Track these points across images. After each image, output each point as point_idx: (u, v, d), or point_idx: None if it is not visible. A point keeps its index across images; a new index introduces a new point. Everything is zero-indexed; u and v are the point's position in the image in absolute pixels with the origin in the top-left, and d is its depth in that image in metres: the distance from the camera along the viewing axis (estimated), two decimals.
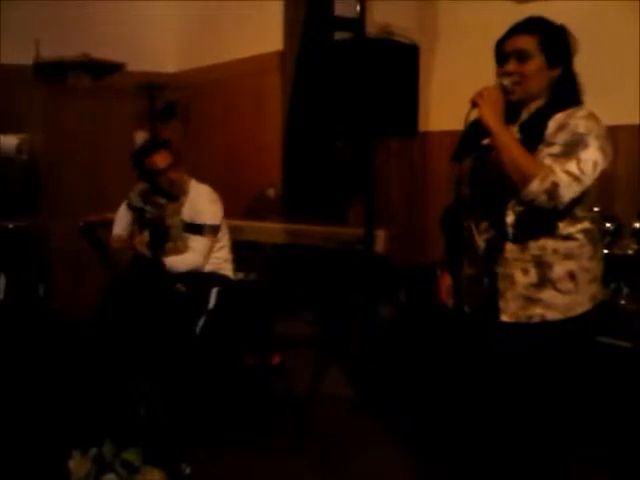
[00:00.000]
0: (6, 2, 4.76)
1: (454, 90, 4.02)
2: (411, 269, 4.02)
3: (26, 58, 4.88)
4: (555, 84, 2.15)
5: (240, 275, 3.93)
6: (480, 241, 2.23)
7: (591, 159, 2.02)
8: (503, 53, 2.17)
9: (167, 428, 2.90)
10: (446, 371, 3.11)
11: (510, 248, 2.16)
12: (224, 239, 3.78)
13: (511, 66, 2.14)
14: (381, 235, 4.03)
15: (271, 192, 4.70)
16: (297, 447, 3.16)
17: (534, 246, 2.13)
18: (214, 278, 3.68)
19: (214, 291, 3.60)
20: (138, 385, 3.27)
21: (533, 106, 2.17)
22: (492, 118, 2.05)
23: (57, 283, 4.86)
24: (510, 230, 2.14)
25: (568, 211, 2.09)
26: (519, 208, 2.11)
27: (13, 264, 4.45)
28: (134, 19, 5.39)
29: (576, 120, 2.06)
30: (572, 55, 2.17)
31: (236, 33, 5.07)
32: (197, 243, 3.63)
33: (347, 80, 3.50)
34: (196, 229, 3.63)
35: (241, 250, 3.91)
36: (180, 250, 3.64)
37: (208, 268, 3.69)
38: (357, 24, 3.91)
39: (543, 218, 2.09)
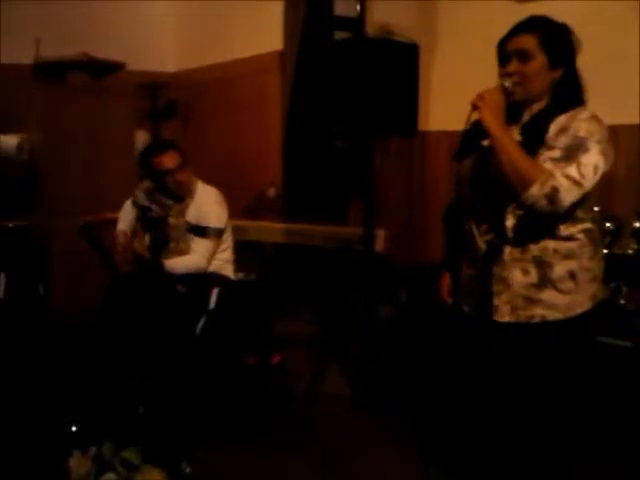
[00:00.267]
0: (6, 2, 4.76)
1: (454, 90, 4.04)
2: (411, 269, 4.02)
3: (26, 57, 4.88)
4: (557, 85, 2.14)
5: (240, 275, 3.93)
6: (480, 242, 2.23)
7: (592, 163, 2.01)
8: (505, 53, 2.16)
9: (167, 427, 2.90)
10: (446, 371, 3.11)
11: (510, 249, 2.16)
12: (228, 241, 3.78)
13: (512, 66, 2.13)
14: (381, 235, 4.03)
15: (271, 191, 4.70)
16: (297, 447, 3.16)
17: (535, 247, 2.13)
18: (215, 279, 3.68)
19: (215, 292, 3.60)
20: (138, 385, 3.27)
21: (535, 107, 2.17)
22: (493, 121, 2.05)
23: (57, 282, 4.86)
24: (510, 234, 2.14)
25: (569, 214, 2.09)
26: (519, 212, 2.11)
27: (13, 263, 4.44)
28: (134, 18, 5.39)
29: (578, 123, 2.05)
30: (575, 55, 2.16)
31: (236, 33, 5.07)
32: (200, 245, 3.62)
33: (347, 80, 3.50)
34: (200, 231, 3.62)
35: (241, 250, 3.91)
36: (183, 251, 3.63)
37: (209, 269, 3.69)
38: (357, 24, 3.91)
39: (544, 221, 2.09)
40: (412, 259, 4.21)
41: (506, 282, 2.17)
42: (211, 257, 3.66)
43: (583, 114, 2.08)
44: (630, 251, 3.11)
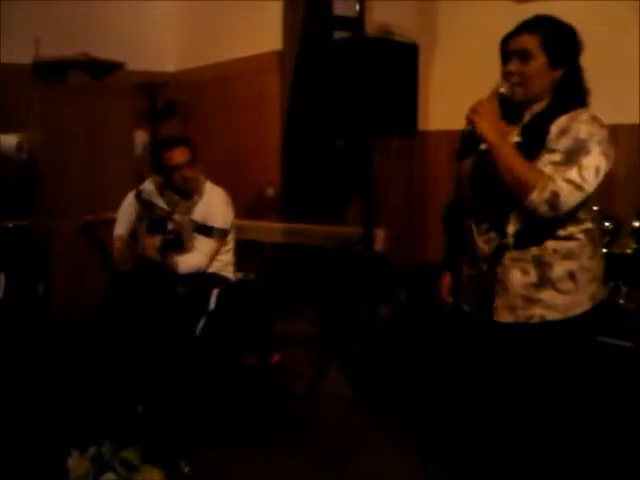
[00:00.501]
0: (6, 1, 4.76)
1: (454, 89, 4.04)
2: (410, 268, 4.02)
3: (26, 57, 4.88)
4: (558, 85, 2.14)
5: (239, 274, 3.93)
6: (480, 242, 2.23)
7: (593, 165, 2.01)
8: (506, 52, 2.16)
9: (166, 427, 2.90)
10: (446, 371, 3.11)
11: (510, 249, 2.16)
12: (230, 243, 3.79)
13: (513, 66, 2.13)
14: (380, 234, 4.03)
15: (270, 191, 4.70)
16: (297, 447, 3.16)
17: (534, 247, 2.13)
18: (215, 280, 3.68)
19: (215, 293, 3.60)
20: (138, 385, 3.27)
21: (536, 107, 2.16)
22: (489, 131, 2.05)
23: (57, 282, 4.86)
24: (511, 240, 2.14)
25: (571, 215, 2.09)
26: (521, 218, 2.10)
27: (13, 263, 4.44)
28: (134, 18, 5.39)
29: (578, 125, 2.05)
30: (578, 55, 2.16)
31: (236, 32, 5.07)
32: (204, 245, 3.63)
33: (346, 79, 3.49)
34: (206, 231, 3.62)
35: (240, 249, 3.91)
36: (187, 249, 3.64)
37: (210, 269, 3.69)
38: (356, 23, 3.90)
39: (546, 224, 2.08)
40: (412, 259, 4.20)
41: (505, 282, 2.17)
42: (213, 257, 3.66)
43: (583, 115, 2.08)
44: (629, 250, 3.10)
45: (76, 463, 2.39)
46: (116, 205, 4.00)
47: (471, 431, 2.44)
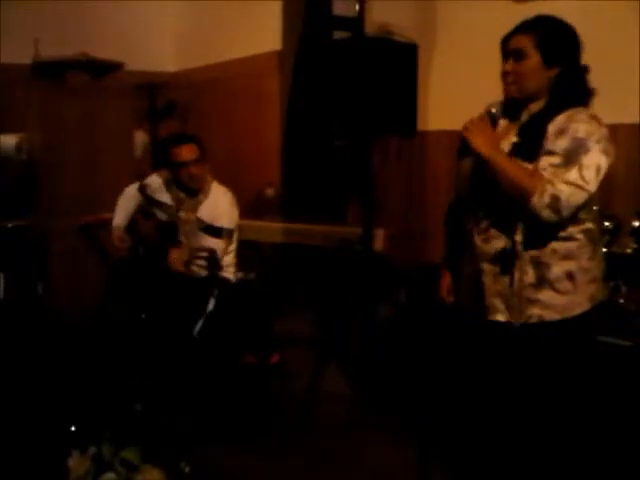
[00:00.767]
0: (5, 1, 4.76)
1: (453, 89, 4.04)
2: (410, 268, 4.02)
3: (25, 57, 4.88)
4: (555, 84, 2.14)
5: (239, 274, 3.93)
6: (479, 241, 2.23)
7: (594, 164, 2.01)
8: (504, 52, 2.18)
9: (167, 427, 2.90)
10: (446, 371, 3.11)
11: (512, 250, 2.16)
12: (234, 245, 3.80)
13: (508, 65, 2.15)
14: (380, 234, 4.03)
15: (270, 191, 4.70)
16: (296, 446, 3.16)
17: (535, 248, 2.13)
18: (215, 281, 3.68)
19: (214, 294, 3.60)
20: (138, 384, 3.27)
21: (533, 107, 2.17)
22: (483, 146, 2.08)
23: (56, 282, 4.86)
24: (521, 248, 2.13)
25: (574, 216, 2.09)
26: (526, 224, 2.11)
27: (12, 263, 4.44)
28: (133, 18, 5.39)
29: (576, 124, 2.05)
30: (576, 54, 2.16)
31: (235, 32, 5.07)
32: (213, 245, 3.63)
33: (346, 79, 3.50)
34: (215, 232, 3.62)
35: (240, 249, 3.91)
36: (192, 247, 3.64)
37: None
38: (356, 23, 3.91)
39: (549, 226, 2.09)
40: (411, 259, 4.20)
41: (503, 282, 2.17)
42: (222, 258, 3.67)
43: (581, 114, 2.08)
44: (629, 250, 3.10)
45: (76, 463, 2.39)
46: (115, 205, 4.00)
47: (471, 431, 2.45)
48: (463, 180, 2.30)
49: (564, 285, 2.12)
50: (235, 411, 3.45)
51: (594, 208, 2.23)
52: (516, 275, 2.15)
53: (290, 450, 3.13)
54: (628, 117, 3.28)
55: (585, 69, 2.17)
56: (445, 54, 4.21)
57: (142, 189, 3.74)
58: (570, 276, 2.12)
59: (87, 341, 3.72)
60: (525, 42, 2.12)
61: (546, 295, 2.13)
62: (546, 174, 2.01)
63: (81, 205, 4.91)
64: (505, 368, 2.23)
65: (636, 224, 3.13)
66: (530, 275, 2.14)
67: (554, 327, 2.14)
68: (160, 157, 3.80)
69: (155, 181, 3.84)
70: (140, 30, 5.40)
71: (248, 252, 4.06)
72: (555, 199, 1.98)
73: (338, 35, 4.11)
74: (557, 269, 2.12)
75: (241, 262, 3.92)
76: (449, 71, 4.16)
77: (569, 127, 2.05)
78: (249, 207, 4.54)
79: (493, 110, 2.19)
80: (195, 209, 3.68)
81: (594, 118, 2.07)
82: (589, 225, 2.15)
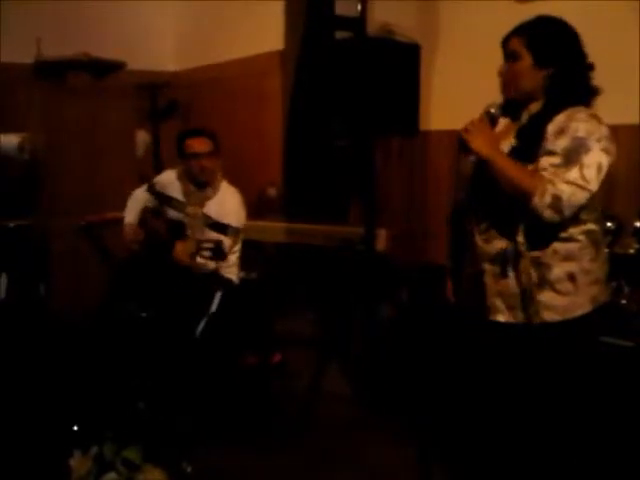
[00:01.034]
0: (7, 1, 4.76)
1: (455, 89, 4.04)
2: (412, 268, 4.02)
3: (27, 57, 4.88)
4: (550, 84, 2.15)
5: (241, 274, 3.93)
6: (480, 241, 2.23)
7: (594, 163, 2.00)
8: (503, 54, 2.21)
9: (168, 427, 2.90)
10: (447, 371, 3.11)
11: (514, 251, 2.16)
12: (238, 245, 3.81)
13: (504, 67, 2.19)
14: (382, 234, 4.03)
15: (272, 191, 4.70)
16: (297, 446, 3.16)
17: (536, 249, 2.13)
18: (219, 281, 3.68)
19: (218, 295, 3.61)
20: (139, 384, 3.27)
21: (533, 107, 2.18)
22: (483, 147, 2.09)
23: (58, 282, 4.86)
24: (523, 248, 2.13)
25: (575, 217, 2.09)
26: (527, 224, 2.11)
27: (14, 263, 4.45)
28: (135, 18, 5.39)
29: (576, 123, 2.04)
30: (571, 54, 2.16)
31: (237, 32, 5.07)
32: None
33: (348, 79, 3.50)
34: (221, 229, 3.63)
35: (243, 249, 3.91)
36: (198, 239, 3.64)
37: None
38: (358, 23, 3.91)
39: (551, 226, 2.08)
40: (413, 259, 4.20)
41: (504, 282, 2.17)
42: (227, 256, 3.67)
43: (580, 113, 2.07)
44: (631, 251, 3.10)
45: (78, 463, 2.39)
46: (117, 205, 4.01)
47: (472, 431, 2.45)
48: (464, 180, 2.31)
49: (565, 286, 2.12)
50: (236, 411, 3.45)
51: (597, 209, 2.22)
52: (518, 276, 2.14)
53: (291, 450, 3.14)
54: (629, 117, 3.27)
55: (587, 67, 2.17)
56: (447, 54, 4.21)
57: (151, 188, 3.75)
58: (571, 277, 2.12)
59: (89, 341, 3.72)
60: (517, 44, 2.15)
61: (547, 296, 2.13)
62: (547, 174, 2.01)
63: (83, 205, 4.91)
64: (506, 368, 2.22)
65: (638, 224, 3.13)
66: (531, 276, 2.13)
67: (556, 328, 2.14)
68: (176, 149, 3.84)
69: (167, 176, 3.88)
70: (142, 30, 5.41)
71: (250, 252, 4.06)
72: (556, 199, 1.97)
73: (340, 35, 4.11)
74: (558, 270, 2.11)
75: (243, 262, 3.92)
76: (451, 71, 4.16)
77: (569, 126, 2.04)
78: (251, 207, 4.53)
79: (492, 110, 2.19)
80: (203, 204, 3.71)
81: (594, 117, 2.07)
82: (591, 226, 2.14)
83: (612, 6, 3.36)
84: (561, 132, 2.05)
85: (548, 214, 1.99)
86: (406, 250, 4.28)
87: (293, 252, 4.33)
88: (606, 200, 2.86)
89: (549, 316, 2.13)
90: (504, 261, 2.16)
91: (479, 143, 2.10)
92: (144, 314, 3.51)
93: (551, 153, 2.04)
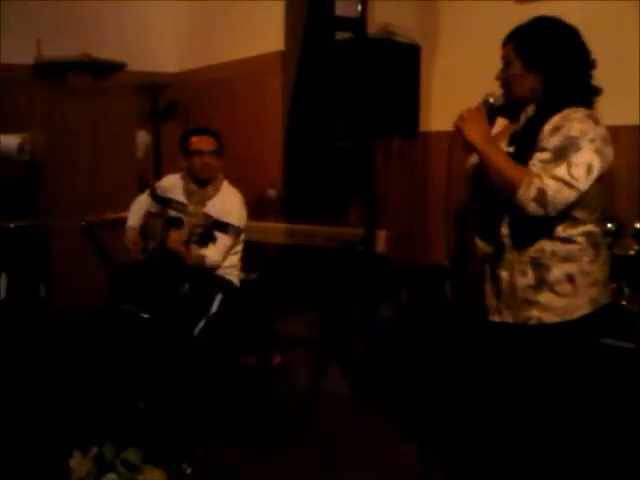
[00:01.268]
0: (8, 2, 4.77)
1: (455, 90, 4.03)
2: (412, 269, 4.02)
3: (27, 58, 4.89)
4: (545, 86, 2.15)
5: (242, 275, 3.94)
6: (480, 242, 2.23)
7: (584, 162, 2.00)
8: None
9: (168, 428, 2.90)
10: (447, 371, 3.11)
11: (508, 250, 2.16)
12: (239, 246, 3.81)
13: (500, 72, 2.21)
14: (382, 235, 4.03)
15: (272, 192, 4.71)
16: (298, 447, 3.16)
17: (532, 248, 2.12)
18: (220, 284, 3.68)
19: (218, 297, 3.61)
20: (138, 384, 3.27)
21: (529, 110, 2.18)
22: (476, 136, 2.11)
23: (58, 283, 4.86)
24: (506, 241, 2.14)
25: (565, 214, 2.08)
26: (513, 218, 2.11)
27: (15, 264, 4.45)
28: (135, 19, 5.40)
29: (570, 123, 2.04)
30: (562, 56, 2.14)
31: (237, 33, 5.08)
32: (220, 241, 3.63)
33: (348, 80, 3.50)
34: (222, 227, 3.64)
35: (243, 250, 3.91)
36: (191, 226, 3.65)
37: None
38: (358, 24, 3.91)
39: (540, 223, 2.08)
40: (413, 260, 4.20)
41: (503, 283, 2.17)
42: (227, 254, 3.68)
43: (576, 114, 2.06)
44: (632, 252, 3.10)
45: (78, 464, 2.39)
46: (117, 205, 4.01)
47: (471, 432, 2.44)
48: (466, 181, 2.31)
49: (564, 287, 2.12)
50: (236, 412, 3.45)
51: (597, 211, 2.22)
52: (516, 277, 2.14)
53: (291, 450, 3.13)
54: (629, 118, 3.27)
55: (585, 66, 2.16)
56: (447, 55, 4.21)
57: (152, 192, 3.77)
58: (570, 279, 2.11)
59: (89, 341, 3.72)
60: (509, 49, 2.18)
61: (545, 297, 2.12)
62: (535, 169, 2.01)
63: (83, 205, 4.91)
64: (506, 369, 2.22)
65: (638, 226, 3.13)
66: (530, 277, 2.13)
67: (554, 329, 2.14)
68: (180, 147, 3.87)
69: (169, 179, 3.91)
70: (142, 31, 5.42)
71: (250, 253, 4.07)
72: (541, 192, 1.97)
73: (340, 36, 4.11)
74: (557, 271, 2.11)
75: (243, 263, 3.92)
76: (451, 72, 4.16)
77: (563, 125, 2.04)
78: (251, 208, 4.54)
79: (491, 100, 2.20)
80: (204, 203, 3.72)
81: (590, 117, 2.06)
82: (591, 228, 2.14)
83: (612, 6, 3.37)
84: (555, 130, 2.05)
85: (532, 207, 1.99)
86: (406, 251, 4.28)
87: (293, 253, 4.33)
88: (606, 201, 2.87)
89: (548, 317, 2.13)
90: (492, 259, 2.17)
91: (472, 132, 2.12)
92: (145, 315, 3.51)
93: (542, 149, 2.04)
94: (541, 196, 1.97)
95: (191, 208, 3.69)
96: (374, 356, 3.73)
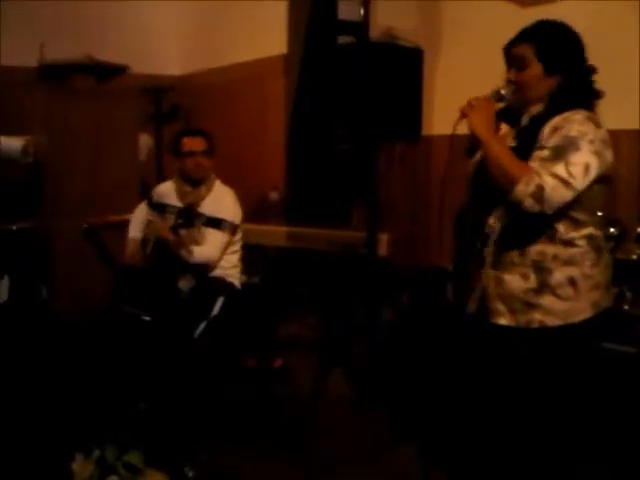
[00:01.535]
0: (11, 4, 4.78)
1: (458, 94, 4.00)
2: (414, 273, 4.02)
3: (30, 60, 4.90)
4: (556, 90, 2.15)
5: (243, 278, 3.94)
6: (479, 243, 2.23)
7: (582, 162, 2.00)
8: (507, 60, 2.19)
9: (170, 431, 2.90)
10: (448, 374, 3.11)
11: (510, 252, 2.16)
12: (237, 244, 3.81)
13: (511, 74, 2.17)
14: (384, 238, 4.03)
15: (274, 195, 4.71)
16: (299, 450, 3.16)
17: (534, 251, 2.13)
18: (221, 286, 3.68)
19: (220, 300, 3.61)
20: (138, 385, 3.28)
21: (533, 110, 2.18)
22: (481, 127, 2.10)
23: (60, 284, 4.86)
24: (495, 237, 2.14)
25: (565, 214, 2.08)
26: (505, 214, 2.11)
27: (17, 266, 4.45)
28: (138, 22, 5.41)
29: (570, 124, 2.05)
30: (577, 60, 2.16)
31: (240, 36, 5.09)
32: (214, 237, 3.66)
33: (351, 84, 3.50)
34: (216, 223, 3.67)
35: (244, 253, 3.92)
36: (195, 239, 3.66)
37: (217, 272, 3.70)
38: (361, 28, 3.92)
39: (539, 223, 2.09)
40: (415, 263, 4.20)
41: (506, 286, 2.17)
42: (224, 251, 3.69)
43: (577, 115, 2.07)
44: (634, 256, 3.09)
45: (80, 467, 2.39)
46: (119, 207, 4.02)
47: (473, 435, 2.44)
48: (467, 182, 2.31)
49: (566, 291, 2.12)
50: (238, 415, 3.45)
51: (598, 214, 2.22)
52: (517, 280, 2.14)
53: (293, 454, 3.13)
54: (630, 122, 3.27)
55: (590, 71, 2.17)
56: (450, 59, 4.22)
57: (149, 200, 3.81)
58: (572, 282, 2.12)
59: (91, 343, 3.72)
60: (526, 51, 2.13)
61: (547, 300, 2.12)
62: (534, 166, 2.02)
63: (86, 207, 4.92)
64: (508, 372, 2.22)
65: None
66: (532, 280, 2.13)
67: (556, 333, 2.14)
68: (172, 149, 3.89)
69: (164, 185, 3.93)
70: (145, 33, 5.43)
71: (252, 256, 4.07)
72: (540, 189, 1.98)
73: (343, 40, 4.12)
74: (559, 275, 2.11)
75: (245, 266, 3.92)
76: (454, 76, 4.16)
77: (563, 126, 2.05)
78: (253, 211, 4.55)
79: (502, 92, 2.17)
80: (198, 203, 3.72)
81: (591, 119, 2.07)
82: (592, 231, 2.14)
83: (616, 9, 3.37)
84: (555, 131, 2.06)
85: (529, 203, 1.99)
86: (408, 254, 4.28)
87: (295, 256, 4.33)
88: (608, 205, 2.87)
89: (550, 320, 2.13)
90: (498, 264, 2.17)
91: (477, 122, 2.10)
92: (147, 318, 3.51)
93: (541, 148, 2.05)
94: (539, 192, 1.98)
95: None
96: (375, 359, 3.73)
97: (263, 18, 4.83)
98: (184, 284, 3.63)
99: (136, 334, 3.50)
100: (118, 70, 5.04)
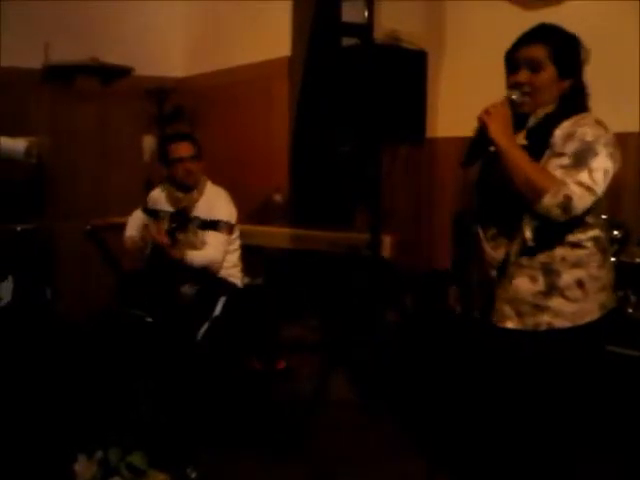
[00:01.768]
0: (15, 5, 4.79)
1: (462, 96, 4.04)
2: (417, 275, 4.02)
3: (35, 61, 4.90)
4: (566, 93, 2.15)
5: (246, 280, 3.94)
6: (488, 248, 2.23)
7: (602, 167, 2.01)
8: (514, 62, 2.16)
9: (173, 432, 2.90)
10: (452, 377, 3.11)
11: (519, 256, 2.16)
12: (236, 243, 3.81)
13: (523, 76, 2.13)
14: (387, 240, 4.03)
15: (278, 197, 4.71)
16: (301, 452, 3.16)
17: (542, 254, 2.13)
18: (223, 286, 3.69)
19: (221, 300, 3.61)
20: (140, 386, 3.28)
21: (540, 112, 2.16)
22: (500, 134, 2.05)
23: (64, 286, 4.87)
24: (531, 244, 2.12)
25: (581, 219, 2.08)
26: (535, 222, 2.10)
27: (21, 266, 4.46)
28: (143, 23, 5.41)
29: (583, 128, 2.05)
30: (583, 66, 2.16)
31: (244, 38, 5.09)
32: (213, 238, 3.66)
33: (355, 86, 3.50)
34: (212, 225, 3.67)
35: (248, 255, 3.92)
36: (193, 244, 3.66)
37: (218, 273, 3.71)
38: (365, 30, 3.91)
39: (558, 228, 2.08)
40: (419, 265, 4.20)
41: (513, 289, 2.17)
42: (225, 250, 3.68)
43: (587, 119, 2.08)
44: (638, 260, 3.09)
45: (83, 468, 2.40)
46: (123, 209, 4.02)
47: (477, 437, 2.44)
48: (470, 188, 2.30)
49: (574, 293, 2.12)
50: (240, 417, 3.45)
51: (603, 217, 2.22)
52: (526, 283, 2.14)
53: (295, 456, 3.13)
54: (635, 125, 3.27)
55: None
56: (454, 61, 4.21)
57: (143, 207, 3.81)
58: (580, 284, 2.12)
59: (94, 344, 3.72)
60: (541, 53, 2.11)
61: (556, 302, 2.12)
62: (558, 174, 2.01)
63: (89, 209, 4.93)
64: (514, 375, 2.22)
65: None
66: (540, 283, 2.13)
67: (564, 335, 2.14)
68: (159, 155, 3.87)
69: (155, 193, 3.92)
70: (149, 35, 5.43)
71: (255, 257, 4.07)
72: (568, 199, 1.97)
73: (347, 42, 4.11)
74: (567, 277, 2.11)
75: (248, 267, 3.93)
76: (458, 78, 4.16)
77: (576, 131, 2.05)
78: (257, 212, 4.55)
79: (514, 97, 2.13)
80: (191, 209, 3.72)
81: (600, 123, 2.08)
82: (597, 233, 2.14)
83: (620, 12, 3.37)
84: (569, 137, 2.05)
85: (557, 213, 1.98)
86: (411, 256, 4.28)
87: (299, 258, 4.33)
88: (612, 209, 2.87)
89: (558, 323, 2.13)
90: (506, 267, 2.16)
91: (497, 130, 2.05)
92: (149, 319, 3.51)
93: (560, 155, 2.04)
94: (567, 202, 1.97)
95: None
96: (378, 361, 3.73)
97: (267, 20, 4.83)
98: (187, 289, 3.64)
99: (139, 336, 3.50)
100: (123, 72, 5.05)
